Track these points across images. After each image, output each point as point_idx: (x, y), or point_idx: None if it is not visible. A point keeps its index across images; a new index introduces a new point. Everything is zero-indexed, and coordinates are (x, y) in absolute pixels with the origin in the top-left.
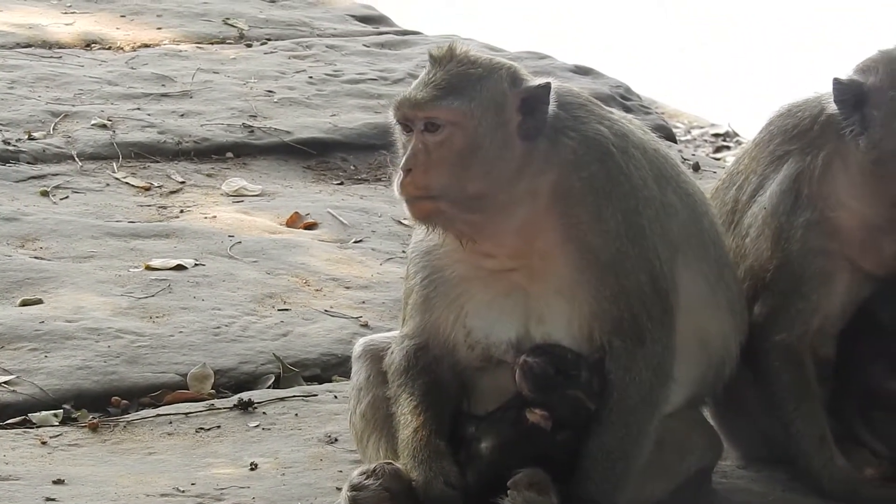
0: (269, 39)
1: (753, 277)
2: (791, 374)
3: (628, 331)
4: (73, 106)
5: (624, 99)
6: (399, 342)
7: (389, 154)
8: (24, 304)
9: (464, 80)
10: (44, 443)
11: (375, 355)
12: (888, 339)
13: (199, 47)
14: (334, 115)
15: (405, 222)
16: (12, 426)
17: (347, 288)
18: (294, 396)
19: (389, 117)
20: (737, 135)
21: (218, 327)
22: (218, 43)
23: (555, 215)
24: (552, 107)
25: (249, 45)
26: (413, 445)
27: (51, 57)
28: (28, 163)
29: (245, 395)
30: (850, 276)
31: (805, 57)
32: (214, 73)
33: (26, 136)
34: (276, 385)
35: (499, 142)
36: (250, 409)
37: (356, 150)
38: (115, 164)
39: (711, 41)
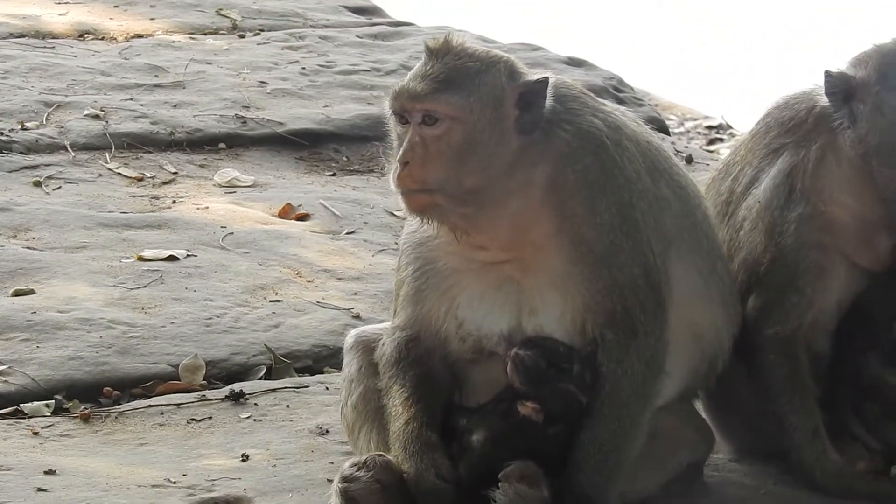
0: (262, 30)
1: (747, 271)
2: (785, 367)
3: (621, 323)
4: (66, 96)
5: (617, 91)
6: (390, 334)
7: (382, 145)
8: (17, 294)
9: (462, 73)
10: (35, 433)
11: (367, 347)
12: (882, 331)
13: (192, 38)
14: (327, 106)
15: (398, 213)
16: (4, 417)
17: (339, 279)
18: (285, 388)
19: (385, 108)
20: (730, 127)
21: (210, 318)
22: (211, 33)
23: (549, 208)
24: (549, 100)
25: (242, 36)
26: (404, 437)
27: (44, 47)
28: (21, 153)
29: (237, 387)
30: (845, 270)
31: (805, 57)
32: (207, 63)
33: (19, 127)
34: (267, 376)
35: (496, 136)
36: (242, 400)
37: (349, 142)
38: (107, 155)
39: (711, 41)
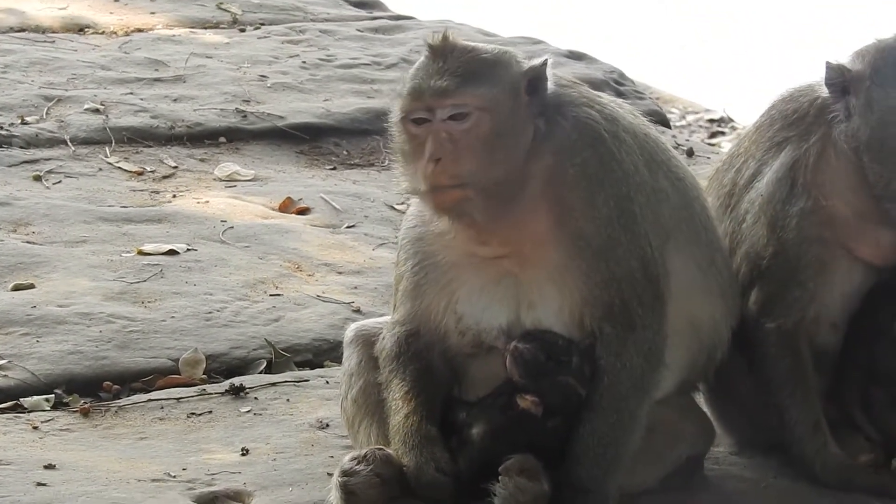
0: (262, 24)
1: (749, 264)
2: (786, 361)
3: (619, 317)
4: (66, 90)
5: (618, 84)
6: (390, 328)
7: (382, 139)
8: (16, 288)
9: (480, 65)
10: (35, 427)
11: (367, 340)
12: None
13: (193, 32)
14: (327, 99)
15: (398, 207)
16: (3, 411)
17: (340, 273)
18: (286, 382)
19: (395, 111)
20: (732, 120)
21: (210, 312)
22: (211, 27)
23: (547, 202)
24: (550, 85)
25: (243, 30)
26: (404, 431)
27: (44, 41)
28: (20, 147)
29: (237, 381)
30: (847, 264)
31: (806, 52)
32: (207, 57)
33: (19, 121)
34: (267, 370)
35: (519, 124)
36: (242, 394)
37: (349, 135)
38: (107, 149)
39: (712, 35)
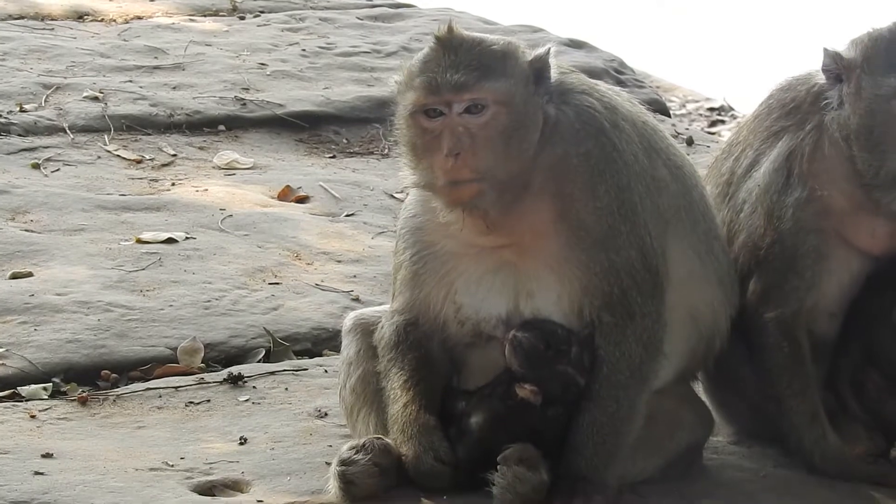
0: (262, 12)
1: (748, 253)
2: (785, 350)
3: (618, 306)
4: (65, 78)
5: (618, 73)
6: (389, 317)
7: (382, 127)
8: (14, 276)
9: (492, 58)
10: (33, 416)
11: (366, 329)
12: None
13: (192, 19)
14: (327, 87)
15: (397, 196)
16: (1, 400)
17: (339, 262)
18: (284, 370)
19: (406, 104)
20: (732, 109)
21: (208, 301)
22: (211, 15)
23: (549, 192)
24: (553, 73)
25: (242, 18)
26: (403, 420)
27: (43, 29)
28: (19, 135)
29: (235, 370)
30: (845, 254)
31: (808, 40)
32: (207, 45)
33: (17, 109)
34: (266, 359)
35: (532, 115)
36: (240, 383)
37: (349, 124)
38: (106, 137)
39: (713, 24)
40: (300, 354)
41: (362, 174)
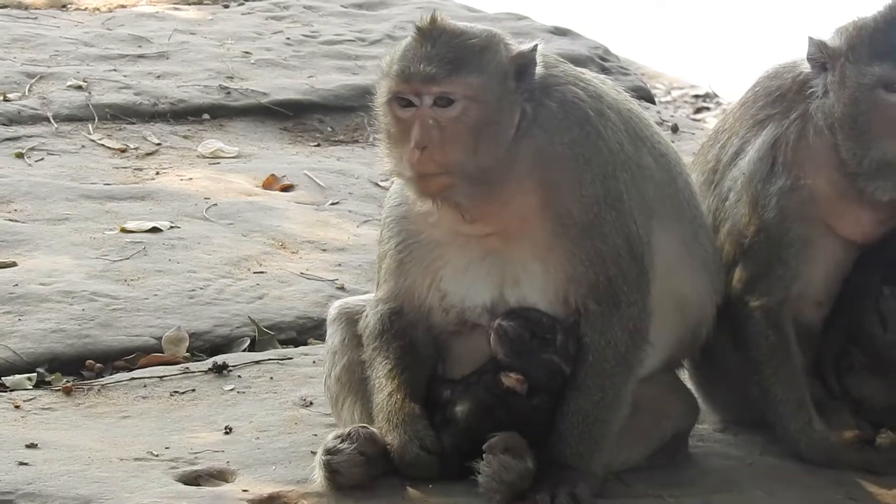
0: (246, 0)
1: (733, 242)
2: (771, 339)
3: (604, 294)
4: (49, 67)
5: (602, 60)
6: (374, 306)
7: (367, 116)
8: None
9: (468, 52)
10: (17, 406)
11: (350, 318)
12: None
13: (176, 8)
14: (311, 76)
15: (382, 184)
16: None
17: (324, 250)
18: (269, 360)
19: (381, 91)
20: (717, 96)
21: (193, 290)
22: (195, 4)
23: (535, 181)
24: (538, 69)
25: (226, 6)
26: (388, 409)
27: (26, 18)
28: (3, 124)
29: (220, 359)
30: (831, 242)
31: (794, 26)
32: (191, 34)
33: (1, 98)
34: (251, 348)
35: (506, 110)
36: (225, 372)
37: (333, 112)
38: (90, 126)
39: (698, 10)
40: (285, 343)
41: (347, 162)
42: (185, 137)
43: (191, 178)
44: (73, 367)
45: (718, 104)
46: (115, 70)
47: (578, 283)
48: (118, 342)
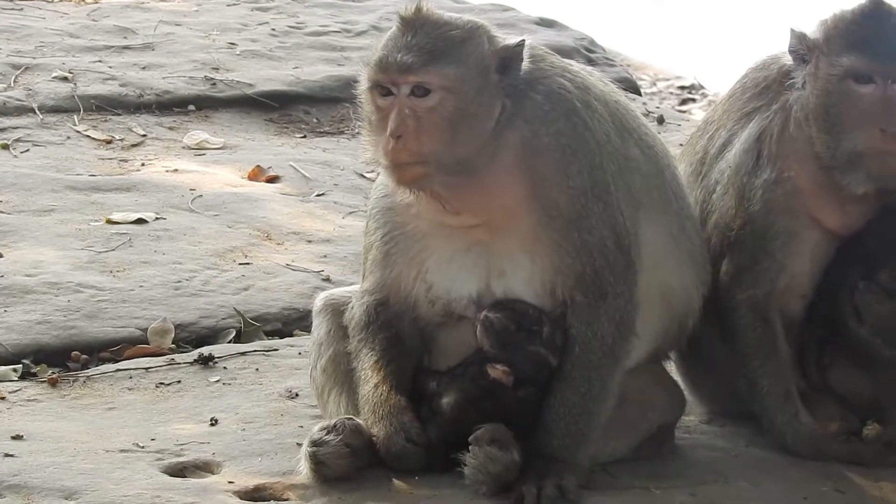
0: None
1: (720, 234)
2: (757, 331)
3: (591, 286)
4: (34, 58)
5: (588, 51)
6: (359, 298)
7: (352, 107)
8: None
9: (449, 43)
10: (2, 398)
11: (336, 310)
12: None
13: None
14: (297, 67)
15: (368, 175)
16: None
17: (309, 241)
18: (255, 351)
19: (363, 79)
20: (702, 87)
21: (179, 281)
22: None
23: (520, 172)
24: (524, 64)
25: None
26: (374, 401)
27: (11, 9)
28: None
29: (205, 350)
30: (817, 235)
31: (780, 17)
32: (176, 25)
33: None
34: (236, 340)
35: (485, 103)
36: (211, 363)
37: (319, 103)
38: (76, 117)
39: (683, 4)
40: (271, 335)
41: (332, 154)
42: (171, 129)
43: (176, 170)
44: (59, 359)
45: (704, 95)
46: (100, 61)
47: (565, 274)
48: (104, 333)
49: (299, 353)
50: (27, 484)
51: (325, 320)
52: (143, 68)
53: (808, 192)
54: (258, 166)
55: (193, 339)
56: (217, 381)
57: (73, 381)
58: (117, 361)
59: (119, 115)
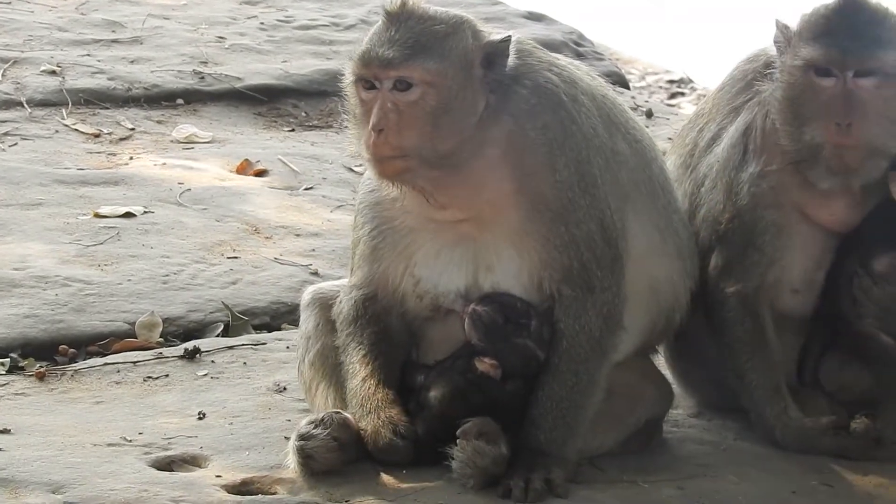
0: None
1: (708, 228)
2: (746, 325)
3: (578, 279)
4: (23, 52)
5: (577, 45)
6: (347, 292)
7: (341, 101)
8: None
9: (432, 37)
10: None
11: (324, 303)
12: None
13: None
14: (286, 61)
15: (356, 169)
16: None
17: (297, 235)
18: (243, 345)
19: (347, 72)
20: (691, 81)
21: (167, 275)
22: None
23: (507, 166)
24: (511, 60)
25: None
26: (361, 395)
27: (0, 3)
28: None
29: (193, 344)
30: (806, 229)
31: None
32: (165, 18)
33: None
34: (224, 333)
35: (468, 98)
36: (198, 357)
37: (307, 97)
38: (64, 111)
39: None
40: (259, 329)
41: (321, 147)
42: (159, 122)
43: (164, 164)
44: (47, 353)
45: (693, 89)
46: (88, 55)
47: (552, 268)
48: (91, 327)
49: (287, 347)
50: (14, 478)
51: (313, 314)
52: (132, 62)
53: (792, 186)
54: (246, 160)
55: (181, 332)
56: (205, 374)
57: (61, 374)
58: (105, 355)
59: (107, 108)
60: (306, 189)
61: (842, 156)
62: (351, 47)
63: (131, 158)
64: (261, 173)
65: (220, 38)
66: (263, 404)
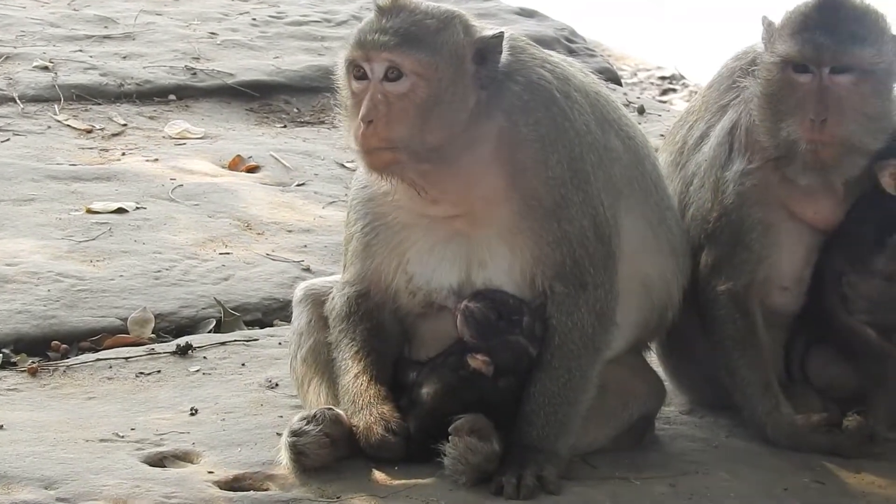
0: None
1: (697, 226)
2: (737, 322)
3: (570, 276)
4: (15, 48)
5: (569, 42)
6: (340, 288)
7: (333, 97)
8: None
9: (424, 30)
10: None
11: (316, 300)
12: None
13: None
14: (278, 57)
15: (348, 165)
16: None
17: (289, 231)
18: (235, 341)
19: (340, 62)
20: (683, 77)
21: (159, 271)
22: None
23: (500, 162)
24: (504, 56)
25: None
26: (353, 391)
27: None
28: None
29: (185, 340)
30: (794, 227)
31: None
32: (157, 14)
33: None
34: (216, 329)
35: (459, 93)
36: (191, 353)
37: (299, 93)
38: (56, 107)
39: None
40: (251, 325)
41: (313, 144)
42: (151, 118)
43: (157, 159)
44: (39, 348)
45: (685, 86)
46: (81, 51)
47: (545, 264)
48: (84, 323)
49: (279, 343)
50: (6, 473)
51: (306, 310)
52: (124, 58)
53: (775, 184)
54: (238, 156)
55: (173, 328)
56: (197, 370)
57: (53, 370)
58: (97, 351)
59: (99, 104)
60: (298, 185)
61: (817, 152)
62: (343, 43)
63: (123, 154)
64: (253, 169)
65: (212, 34)
66: (255, 400)
